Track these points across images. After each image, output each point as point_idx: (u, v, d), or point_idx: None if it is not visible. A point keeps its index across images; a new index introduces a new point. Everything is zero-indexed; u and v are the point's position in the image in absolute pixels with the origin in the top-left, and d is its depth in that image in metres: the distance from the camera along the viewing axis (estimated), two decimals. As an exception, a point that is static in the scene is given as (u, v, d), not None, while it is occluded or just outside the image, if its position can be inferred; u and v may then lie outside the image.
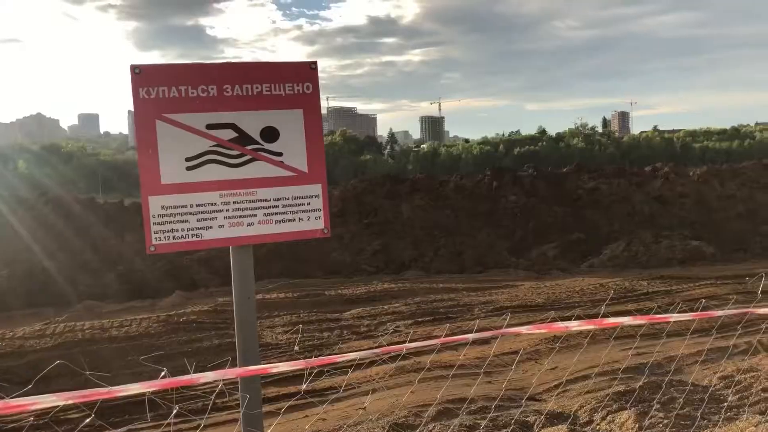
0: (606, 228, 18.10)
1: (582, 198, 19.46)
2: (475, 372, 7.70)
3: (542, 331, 3.15)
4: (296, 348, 9.32)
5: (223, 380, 2.43)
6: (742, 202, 19.35)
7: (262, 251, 15.78)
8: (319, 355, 9.00)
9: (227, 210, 3.25)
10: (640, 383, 6.69)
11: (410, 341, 9.75)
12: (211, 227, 3.24)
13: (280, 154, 3.27)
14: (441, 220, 17.90)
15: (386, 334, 9.75)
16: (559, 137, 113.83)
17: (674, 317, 3.07)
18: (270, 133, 3.24)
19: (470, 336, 3.71)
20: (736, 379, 6.87)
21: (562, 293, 12.18)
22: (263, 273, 15.15)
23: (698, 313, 3.24)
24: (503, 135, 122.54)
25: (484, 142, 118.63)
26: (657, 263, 15.44)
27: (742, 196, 19.62)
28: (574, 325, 3.10)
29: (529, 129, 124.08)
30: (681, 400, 6.17)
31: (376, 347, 3.49)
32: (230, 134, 3.24)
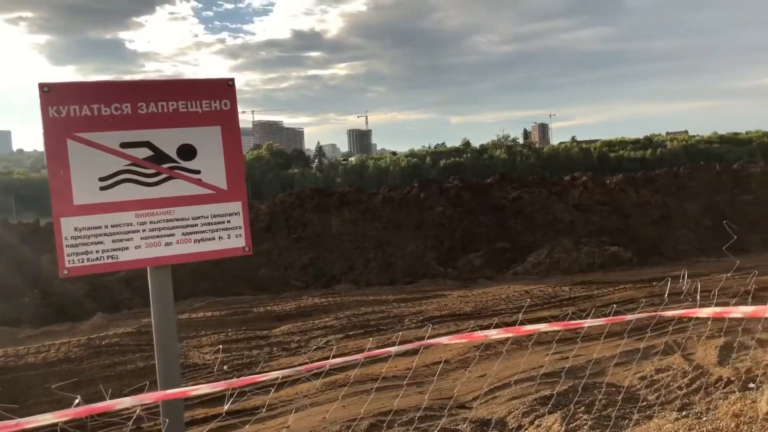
0: (529, 236, 18.60)
1: (506, 208, 19.93)
2: (406, 383, 7.75)
3: (463, 340, 3.21)
4: (225, 367, 9.14)
5: (141, 405, 2.36)
6: (655, 209, 20.27)
7: (186, 270, 15.40)
8: (248, 374, 8.85)
9: (144, 230, 3.17)
10: (565, 386, 6.89)
11: (340, 355, 9.71)
12: (127, 248, 3.15)
13: (198, 172, 3.22)
14: (370, 233, 17.97)
15: (316, 349, 9.69)
16: (483, 149, 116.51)
17: (587, 322, 3.19)
18: (187, 151, 3.19)
19: (393, 349, 3.74)
20: (654, 378, 7.17)
21: (489, 301, 12.42)
22: (188, 292, 14.79)
23: (611, 317, 3.37)
24: (429, 147, 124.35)
25: (411, 154, 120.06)
26: (578, 269, 15.97)
27: (656, 202, 20.56)
28: (493, 334, 3.17)
29: (454, 141, 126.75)
30: (603, 401, 6.40)
31: (298, 365, 3.46)
32: (146, 153, 3.17)
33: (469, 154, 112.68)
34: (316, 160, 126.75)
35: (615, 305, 10.96)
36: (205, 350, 9.97)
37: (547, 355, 8.49)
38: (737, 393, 5.96)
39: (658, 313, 3.43)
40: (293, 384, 7.88)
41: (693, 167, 23.68)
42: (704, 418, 5.61)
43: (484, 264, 17.11)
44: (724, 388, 6.33)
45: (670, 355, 8.18)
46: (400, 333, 10.23)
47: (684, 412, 5.91)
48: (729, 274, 12.26)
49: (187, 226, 3.22)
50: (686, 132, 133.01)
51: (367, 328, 10.58)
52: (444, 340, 3.10)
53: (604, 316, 9.91)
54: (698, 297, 6.81)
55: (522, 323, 7.72)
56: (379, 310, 11.99)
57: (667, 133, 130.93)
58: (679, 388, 6.70)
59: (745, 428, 4.92)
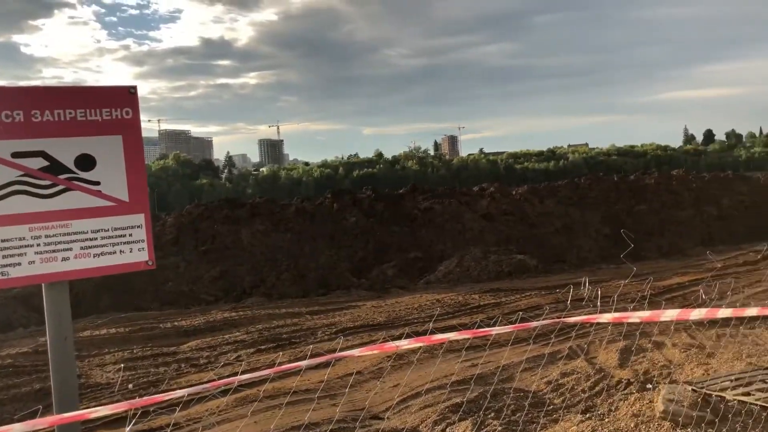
0: (440, 245, 18.91)
1: (418, 218, 20.20)
2: (319, 396, 7.67)
3: (375, 351, 3.21)
4: (129, 386, 8.75)
5: (34, 431, 2.21)
6: (558, 218, 21.10)
7: (89, 285, 14.71)
8: (154, 392, 8.51)
9: (38, 245, 2.98)
10: (475, 393, 7.03)
11: (252, 370, 9.49)
12: (19, 264, 2.96)
13: (97, 183, 3.06)
14: (282, 244, 17.75)
15: (226, 364, 9.45)
16: (395, 160, 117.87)
17: (495, 330, 3.26)
18: (85, 161, 3.03)
19: (303, 363, 3.68)
20: (560, 382, 7.42)
21: (402, 311, 12.51)
22: (90, 308, 14.12)
23: (517, 324, 3.45)
24: (342, 158, 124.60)
25: (324, 165, 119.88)
26: (487, 277, 16.37)
27: (559, 212, 21.40)
28: (404, 344, 3.19)
29: (366, 152, 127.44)
30: (512, 406, 6.56)
31: (206, 382, 3.35)
32: (40, 163, 2.98)
33: (381, 165, 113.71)
34: (226, 171, 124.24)
35: (522, 312, 11.33)
36: (108, 369, 9.52)
37: (458, 362, 8.63)
38: (636, 394, 6.26)
39: (562, 319, 3.54)
40: (202, 401, 7.64)
41: (593, 178, 24.83)
42: (606, 420, 5.86)
43: (397, 274, 17.25)
44: (624, 389, 6.63)
45: (575, 359, 8.50)
46: (313, 346, 10.16)
47: (588, 414, 6.15)
48: (627, 281, 12.91)
49: (86, 239, 3.05)
50: (587, 144, 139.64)
51: (279, 342, 10.42)
52: (356, 352, 3.09)
53: (512, 323, 10.18)
54: (599, 303, 7.14)
55: (433, 332, 7.82)
56: (291, 323, 11.84)
57: (569, 146, 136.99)
58: (583, 390, 6.97)
59: (644, 427, 5.17)
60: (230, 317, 12.71)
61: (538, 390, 7.24)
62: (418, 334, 10.43)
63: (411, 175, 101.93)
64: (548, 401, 6.88)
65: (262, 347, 10.17)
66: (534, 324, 3.25)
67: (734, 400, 5.03)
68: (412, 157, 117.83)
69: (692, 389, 5.28)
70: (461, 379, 7.80)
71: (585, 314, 4.39)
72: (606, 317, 3.25)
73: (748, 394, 5.06)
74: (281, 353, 9.82)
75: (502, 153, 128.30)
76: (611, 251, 19.87)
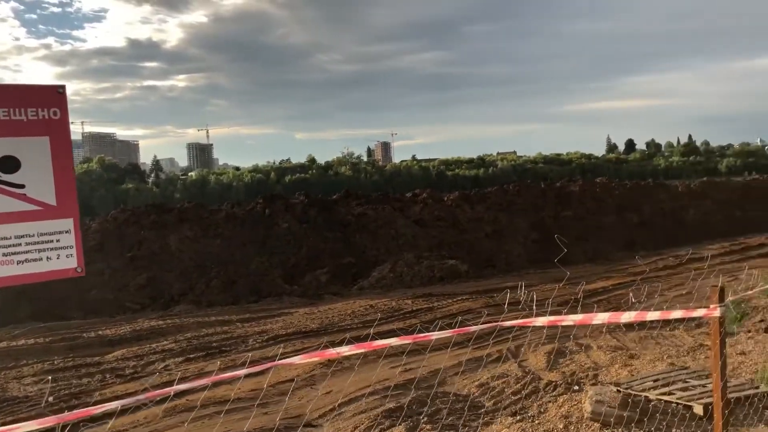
0: (374, 251, 18.96)
1: (351, 223, 20.18)
2: (252, 405, 7.55)
3: (314, 359, 3.18)
4: (50, 399, 8.36)
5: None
6: (488, 224, 21.52)
7: (7, 293, 13.99)
8: (78, 405, 8.17)
9: (-44, 251, 2.81)
10: (409, 398, 7.07)
11: (182, 380, 9.24)
12: (-65, 271, 2.78)
13: (21, 186, 2.91)
14: (212, 250, 17.39)
15: (153, 374, 9.17)
16: (328, 165, 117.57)
17: (435, 335, 3.29)
18: (9, 163, 2.88)
19: (242, 372, 3.61)
20: (491, 385, 7.55)
21: (335, 317, 12.47)
22: (8, 317, 13.44)
23: (456, 329, 3.50)
24: (274, 163, 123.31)
25: (256, 169, 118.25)
26: (420, 282, 16.52)
27: (489, 218, 21.83)
28: (345, 350, 3.18)
29: (299, 157, 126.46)
30: (446, 410, 6.64)
31: (142, 391, 3.22)
32: (-41, 164, 2.82)
33: (314, 171, 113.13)
34: (153, 175, 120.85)
35: (457, 316, 11.48)
36: (26, 381, 9.08)
37: (392, 368, 8.67)
38: (565, 395, 6.45)
39: (499, 323, 3.61)
40: (127, 413, 7.38)
41: (521, 185, 25.44)
42: (536, 421, 6.00)
43: (330, 280, 17.18)
44: (552, 391, 6.81)
45: (507, 362, 8.68)
46: (249, 354, 9.99)
47: (518, 417, 6.29)
48: (561, 284, 13.26)
49: (9, 246, 2.90)
50: (515, 153, 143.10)
51: (209, 350, 10.19)
52: (296, 359, 3.04)
53: (448, 327, 10.28)
54: (534, 307, 7.31)
55: (374, 338, 7.83)
56: (221, 330, 11.62)
57: (498, 154, 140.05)
58: (514, 393, 7.12)
59: (573, 428, 5.32)
60: (157, 325, 12.36)
61: (470, 394, 7.35)
62: (352, 340, 10.41)
63: (344, 180, 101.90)
64: (480, 404, 7.00)
65: (191, 356, 9.93)
66: (474, 328, 3.28)
67: (657, 399, 5.24)
68: (345, 163, 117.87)
69: (618, 390, 5.48)
70: (395, 384, 7.84)
71: (521, 318, 4.50)
72: (541, 320, 3.32)
73: (669, 393, 5.28)
74: (211, 362, 9.63)
75: (434, 160, 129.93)
76: (539, 256, 20.41)
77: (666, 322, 9.94)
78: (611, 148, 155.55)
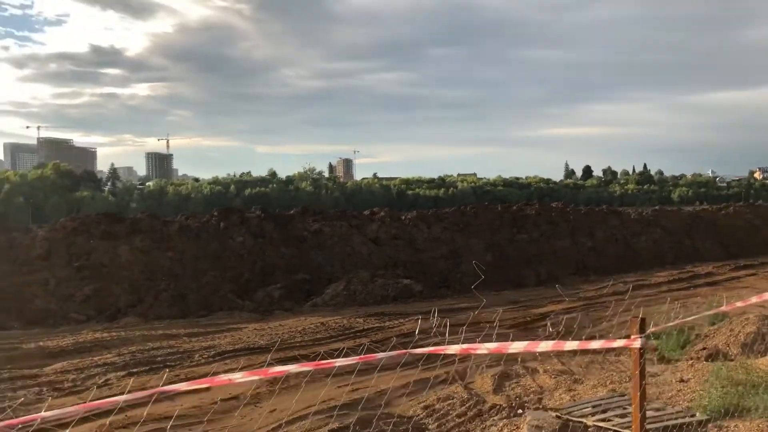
0: (329, 268, 18.85)
1: (307, 239, 20.05)
2: (191, 422, 7.39)
3: (254, 377, 3.11)
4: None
5: None
6: (445, 244, 21.61)
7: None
8: (7, 419, 7.86)
9: None
10: (353, 419, 7.00)
11: (121, 394, 8.97)
12: None
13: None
14: (163, 263, 17.05)
15: (93, 388, 8.89)
16: (289, 180, 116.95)
17: (338, 362, 3.20)
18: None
19: (182, 385, 3.51)
20: (436, 407, 7.53)
21: (285, 334, 12.32)
22: (-57, 326, 12.95)
23: (362, 356, 3.44)
24: (235, 176, 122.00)
25: (215, 182, 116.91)
26: (373, 301, 16.46)
27: (445, 238, 21.93)
28: (293, 368, 3.11)
29: (260, 171, 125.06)
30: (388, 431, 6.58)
31: (74, 405, 3.09)
32: None
33: (275, 185, 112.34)
34: (109, 183, 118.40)
35: (408, 336, 11.45)
36: (-44, 394, 8.70)
37: (339, 387, 8.58)
38: (505, 420, 6.45)
39: (408, 351, 3.56)
40: (64, 427, 7.13)
41: (479, 207, 25.69)
42: (478, 444, 5.99)
43: (283, 296, 16.99)
44: (496, 415, 6.81)
45: (454, 384, 8.66)
46: (195, 369, 9.78)
47: (461, 440, 6.27)
48: (476, 312, 13.33)
49: None
50: (475, 174, 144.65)
51: (152, 365, 9.95)
52: (237, 375, 2.96)
53: (400, 347, 10.24)
54: (447, 333, 7.31)
55: (323, 357, 7.75)
56: (167, 345, 11.36)
57: (458, 175, 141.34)
58: (459, 416, 7.10)
59: (511, 452, 5.33)
60: (101, 338, 12.04)
61: (415, 415, 7.31)
62: (300, 358, 10.28)
63: (304, 196, 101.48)
64: (424, 426, 6.96)
65: (134, 370, 9.67)
66: (380, 355, 3.19)
67: (594, 425, 5.28)
68: (306, 178, 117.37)
69: (557, 416, 5.50)
70: (340, 404, 7.74)
71: (434, 345, 4.48)
72: (453, 348, 3.27)
73: (606, 420, 5.33)
74: (154, 377, 9.39)
75: (395, 179, 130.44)
76: (493, 277, 20.57)
77: (611, 348, 10.07)
78: (569, 173, 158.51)
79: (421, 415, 7.30)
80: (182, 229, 18.51)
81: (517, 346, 3.12)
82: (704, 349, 9.80)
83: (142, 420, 7.27)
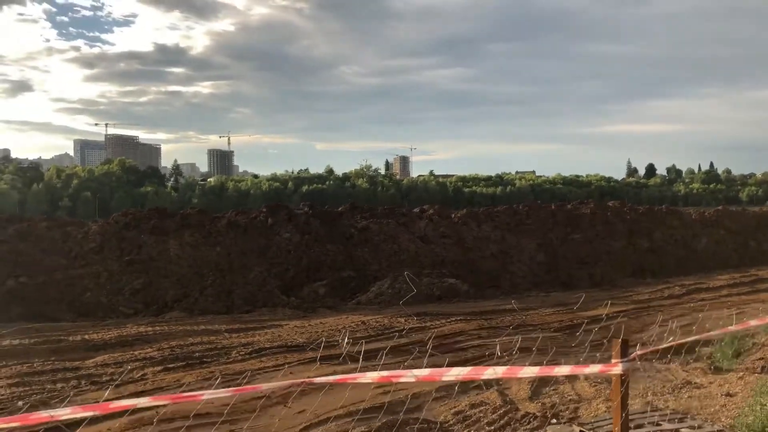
0: (375, 266, 18.70)
1: (354, 237, 19.96)
2: (221, 420, 7.32)
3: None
4: (19, 404, 8.19)
5: None
6: (494, 243, 21.16)
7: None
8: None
9: None
10: (380, 423, 6.80)
11: (155, 389, 8.94)
12: None
13: None
14: (211, 258, 17.23)
15: (129, 382, 8.97)
16: (346, 177, 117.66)
17: (206, 394, 2.85)
18: None
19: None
20: (468, 413, 7.25)
21: (325, 332, 12.21)
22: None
23: (237, 388, 3.14)
24: (293, 172, 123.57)
25: (274, 178, 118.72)
26: (418, 300, 16.19)
27: (495, 237, 21.48)
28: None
29: (318, 168, 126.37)
30: (416, 437, 6.36)
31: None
32: None
33: (332, 182, 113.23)
34: (172, 179, 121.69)
35: (448, 337, 11.18)
36: (0, 383, 8.92)
37: (370, 389, 8.39)
38: (538, 429, 6.14)
39: (306, 380, 3.12)
40: (94, 423, 7.19)
41: (531, 205, 25.06)
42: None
43: (328, 293, 16.94)
44: (527, 424, 6.50)
45: (490, 389, 8.36)
46: (230, 366, 9.77)
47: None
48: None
49: None
50: (534, 172, 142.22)
51: (189, 361, 9.98)
52: (264, 387, 2.75)
53: (434, 347, 9.98)
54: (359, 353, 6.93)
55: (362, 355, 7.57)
56: (207, 340, 11.40)
57: (517, 173, 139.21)
58: (489, 423, 6.81)
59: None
60: (145, 332, 12.19)
61: (445, 421, 7.06)
62: (336, 356, 10.13)
63: (360, 192, 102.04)
64: (451, 432, 6.71)
65: (171, 366, 9.71)
66: (265, 386, 2.75)
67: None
68: (362, 175, 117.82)
69: (581, 430, 5.17)
70: (370, 407, 7.56)
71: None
72: (370, 376, 2.86)
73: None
74: (190, 372, 9.41)
75: (452, 176, 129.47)
76: (544, 278, 20.04)
77: (661, 354, 9.55)
78: (631, 172, 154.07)
79: (451, 421, 7.04)
80: (230, 224, 18.68)
81: (454, 373, 2.83)
82: (761, 359, 9.21)
83: (170, 417, 7.29)
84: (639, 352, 3.88)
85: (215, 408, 7.69)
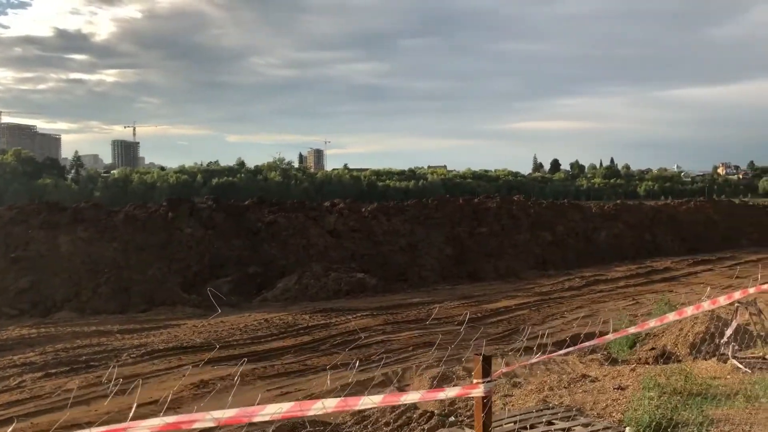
0: (282, 261, 18.28)
1: (261, 231, 19.45)
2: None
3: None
4: None
5: None
6: (404, 237, 21.17)
7: None
8: None
9: None
10: (275, 426, 6.52)
11: (34, 398, 8.27)
12: None
13: None
14: (107, 254, 16.30)
15: (5, 391, 8.27)
16: (258, 170, 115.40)
17: (138, 424, 2.11)
18: None
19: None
20: (365, 413, 7.07)
21: (225, 331, 11.77)
22: None
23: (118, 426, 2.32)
24: (202, 165, 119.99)
25: (182, 170, 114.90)
26: (325, 296, 15.95)
27: (405, 231, 21.49)
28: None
29: (229, 160, 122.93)
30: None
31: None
32: None
33: (243, 175, 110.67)
34: (73, 171, 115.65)
35: (353, 334, 10.98)
36: None
37: (266, 391, 8.10)
38: (438, 429, 6.02)
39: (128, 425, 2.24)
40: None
41: (439, 199, 25.27)
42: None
43: (233, 290, 16.39)
44: (425, 423, 6.38)
45: (387, 386, 8.22)
46: (119, 370, 9.19)
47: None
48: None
49: None
50: (445, 167, 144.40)
51: (74, 365, 9.34)
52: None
53: (337, 345, 9.75)
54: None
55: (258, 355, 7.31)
56: (96, 342, 10.74)
57: (429, 167, 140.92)
58: (386, 423, 6.65)
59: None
60: (28, 335, 11.38)
61: (343, 422, 6.85)
62: (235, 356, 9.74)
63: (273, 186, 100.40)
64: (351, 434, 6.51)
65: (53, 371, 9.05)
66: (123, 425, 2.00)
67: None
68: (275, 168, 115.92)
69: None
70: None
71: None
72: (146, 424, 2.09)
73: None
74: (73, 378, 8.79)
75: (366, 170, 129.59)
76: (452, 271, 20.22)
77: (561, 347, 9.71)
78: (537, 167, 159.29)
79: (349, 422, 6.83)
80: (128, 219, 17.76)
81: (272, 409, 2.63)
82: (653, 349, 9.51)
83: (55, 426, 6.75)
84: (504, 370, 3.78)
85: (97, 416, 7.18)
